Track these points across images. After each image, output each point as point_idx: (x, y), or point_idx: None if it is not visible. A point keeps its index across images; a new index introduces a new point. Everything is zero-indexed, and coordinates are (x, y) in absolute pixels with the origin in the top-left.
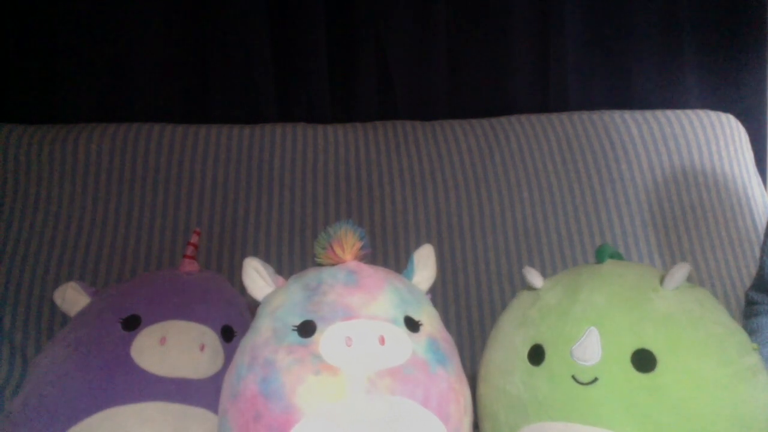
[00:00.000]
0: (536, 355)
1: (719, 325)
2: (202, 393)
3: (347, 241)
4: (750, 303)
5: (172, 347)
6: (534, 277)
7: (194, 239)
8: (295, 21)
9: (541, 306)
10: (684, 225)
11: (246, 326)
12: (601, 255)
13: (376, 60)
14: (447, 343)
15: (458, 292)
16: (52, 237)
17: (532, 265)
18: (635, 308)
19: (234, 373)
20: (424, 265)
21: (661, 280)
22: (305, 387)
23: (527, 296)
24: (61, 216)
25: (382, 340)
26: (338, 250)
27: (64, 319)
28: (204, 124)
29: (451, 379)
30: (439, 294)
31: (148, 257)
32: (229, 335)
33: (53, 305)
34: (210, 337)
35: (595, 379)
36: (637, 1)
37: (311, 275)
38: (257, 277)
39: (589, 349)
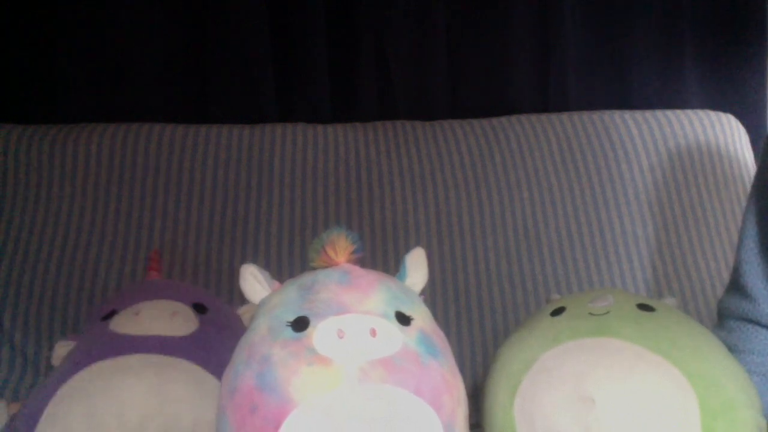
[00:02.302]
0: (558, 312)
1: (706, 328)
2: (180, 347)
3: (340, 245)
4: (727, 314)
5: (145, 317)
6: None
7: (154, 256)
8: (295, 21)
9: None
10: (684, 225)
11: (218, 305)
12: None
13: (376, 60)
14: (439, 338)
15: (458, 292)
16: (52, 237)
17: (532, 265)
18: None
19: (232, 371)
20: (416, 267)
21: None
22: (299, 378)
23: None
24: (61, 216)
25: (373, 333)
26: (331, 253)
27: (64, 319)
28: (204, 124)
29: (443, 371)
30: (439, 294)
31: (147, 258)
32: (201, 309)
33: (53, 305)
34: (181, 308)
35: (608, 312)
36: (637, 1)
37: (306, 276)
38: (254, 282)
39: (604, 300)
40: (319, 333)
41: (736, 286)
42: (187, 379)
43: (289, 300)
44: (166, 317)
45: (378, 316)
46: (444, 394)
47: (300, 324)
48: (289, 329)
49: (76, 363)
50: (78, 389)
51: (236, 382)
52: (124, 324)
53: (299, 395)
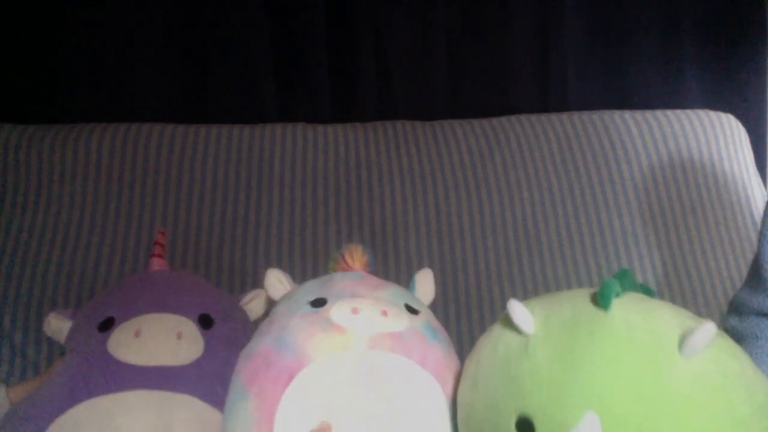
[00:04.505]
0: (525, 429)
1: (746, 403)
2: (184, 379)
3: (357, 254)
4: (739, 309)
5: (147, 339)
6: (522, 320)
7: (160, 239)
8: (295, 21)
9: (531, 367)
10: (684, 225)
11: (226, 313)
12: (604, 300)
13: (376, 60)
14: (443, 332)
15: (458, 292)
16: (52, 237)
17: (532, 265)
18: (645, 392)
19: (251, 342)
20: (424, 284)
21: (680, 341)
22: (314, 340)
23: (513, 341)
24: (61, 216)
25: (384, 313)
26: (348, 260)
27: None
28: (204, 124)
29: (446, 355)
30: (439, 294)
31: (148, 257)
32: (207, 323)
33: (53, 305)
34: (186, 325)
35: None
36: (637, 1)
37: (323, 277)
38: (277, 283)
39: None
40: (336, 308)
41: (757, 280)
42: (189, 418)
43: (308, 287)
44: (171, 338)
45: (389, 303)
46: (447, 373)
47: (318, 302)
48: (308, 306)
49: (74, 392)
50: (76, 427)
51: (252, 350)
52: (124, 347)
53: (313, 353)
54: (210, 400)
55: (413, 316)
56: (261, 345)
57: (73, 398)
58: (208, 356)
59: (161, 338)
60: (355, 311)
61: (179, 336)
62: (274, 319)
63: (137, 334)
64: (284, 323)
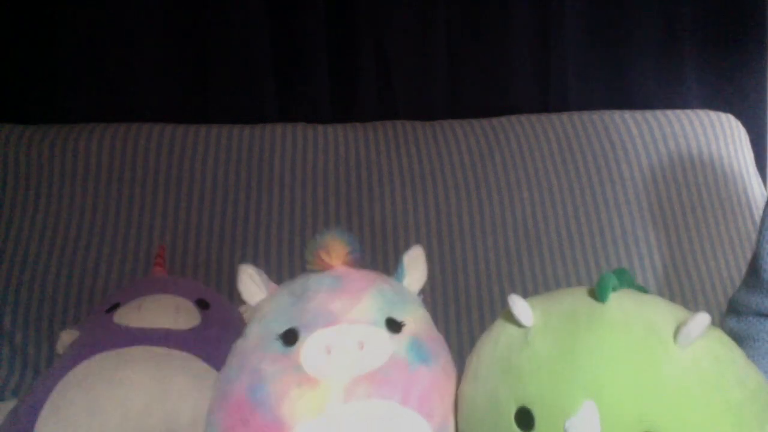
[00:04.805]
0: (524, 419)
1: (738, 388)
2: (183, 340)
3: (334, 248)
4: (738, 310)
5: (148, 311)
6: (521, 313)
7: (161, 253)
8: (295, 21)
9: (530, 356)
10: (684, 225)
11: (221, 302)
12: (602, 292)
13: (376, 60)
14: (433, 341)
15: (458, 292)
16: (52, 237)
17: (532, 265)
18: (641, 379)
19: (224, 375)
20: (414, 267)
21: (675, 332)
22: (289, 400)
23: (514, 333)
24: (61, 216)
25: (361, 345)
26: (325, 257)
27: (64, 319)
28: (204, 124)
29: (433, 377)
30: (439, 294)
31: (148, 257)
32: (203, 305)
33: (53, 305)
34: (184, 303)
35: None
36: (637, 1)
37: (298, 282)
38: (251, 283)
39: (586, 428)
40: (307, 348)
41: (756, 280)
42: (188, 371)
43: (280, 309)
44: (169, 312)
45: (367, 324)
46: (435, 400)
47: (289, 337)
48: (279, 343)
49: (79, 354)
50: (80, 379)
51: (228, 388)
52: (127, 317)
53: (290, 420)
54: (207, 358)
55: (395, 336)
56: (235, 385)
57: (78, 358)
58: (204, 326)
59: (161, 309)
60: (328, 350)
61: (177, 309)
62: (246, 349)
63: (139, 308)
64: (256, 364)
